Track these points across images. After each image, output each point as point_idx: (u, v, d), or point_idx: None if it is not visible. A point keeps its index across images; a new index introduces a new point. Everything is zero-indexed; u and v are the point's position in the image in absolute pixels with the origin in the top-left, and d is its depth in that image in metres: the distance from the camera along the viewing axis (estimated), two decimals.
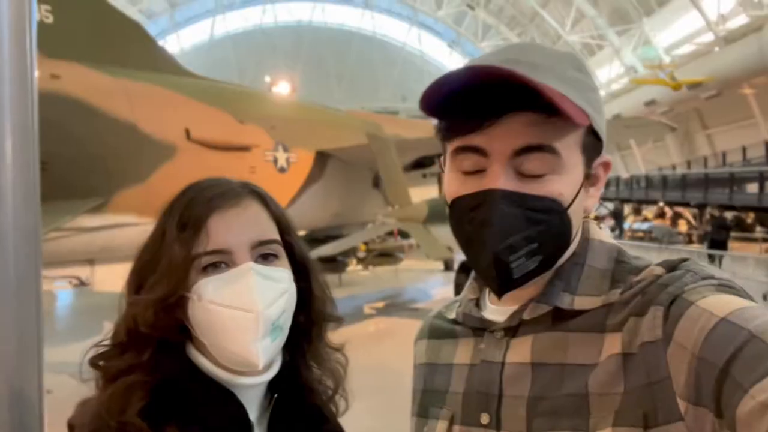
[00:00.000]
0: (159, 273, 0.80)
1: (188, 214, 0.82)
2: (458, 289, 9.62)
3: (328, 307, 0.93)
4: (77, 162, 5.81)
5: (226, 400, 0.82)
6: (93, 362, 0.83)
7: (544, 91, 0.67)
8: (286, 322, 0.84)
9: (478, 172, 0.75)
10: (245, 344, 0.78)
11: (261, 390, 0.87)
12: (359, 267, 12.88)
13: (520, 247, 0.72)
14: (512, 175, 0.73)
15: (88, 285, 7.11)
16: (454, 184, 0.78)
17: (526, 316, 0.78)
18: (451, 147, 0.78)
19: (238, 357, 0.80)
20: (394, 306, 10.77)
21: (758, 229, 22.71)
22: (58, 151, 5.38)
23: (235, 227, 0.82)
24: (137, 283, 0.83)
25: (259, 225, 0.84)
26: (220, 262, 0.80)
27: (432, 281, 13.69)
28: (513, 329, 0.79)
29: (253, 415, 0.84)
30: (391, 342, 7.87)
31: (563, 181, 0.74)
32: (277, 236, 0.86)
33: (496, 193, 0.72)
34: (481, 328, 0.84)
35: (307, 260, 0.91)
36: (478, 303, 0.88)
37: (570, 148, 0.74)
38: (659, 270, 0.74)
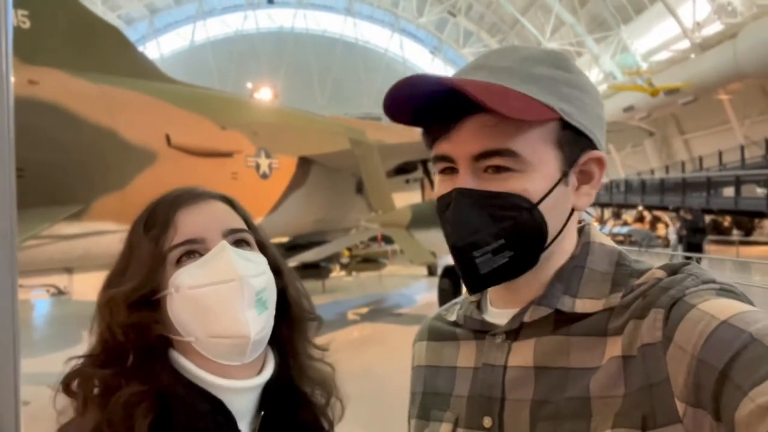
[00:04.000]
0: (129, 272, 0.80)
1: (154, 215, 0.83)
2: (442, 294, 9.64)
3: (305, 305, 0.91)
4: (55, 168, 5.72)
5: (215, 409, 0.79)
6: (67, 385, 0.78)
7: (465, 89, 0.68)
8: (270, 299, 0.82)
9: (452, 175, 0.78)
10: (233, 316, 0.77)
11: (252, 401, 0.83)
12: (343, 273, 12.85)
13: (483, 244, 0.73)
14: (477, 174, 0.75)
15: (66, 294, 6.98)
16: (437, 186, 0.81)
17: (527, 318, 0.78)
18: (431, 154, 0.81)
19: (227, 335, 0.78)
20: (378, 312, 10.75)
21: (735, 232, 23.16)
22: (35, 157, 5.29)
23: (204, 218, 0.83)
24: (114, 291, 0.81)
25: (227, 217, 0.85)
26: (193, 251, 0.80)
27: (416, 286, 13.69)
28: (514, 332, 0.79)
29: (245, 425, 0.81)
30: (375, 348, 7.85)
31: (527, 178, 0.74)
32: (246, 227, 0.86)
33: (457, 192, 0.75)
34: (482, 331, 0.84)
35: (280, 262, 0.90)
36: (479, 305, 0.88)
37: (534, 145, 0.74)
38: (660, 273, 0.74)
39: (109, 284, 0.82)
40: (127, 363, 0.77)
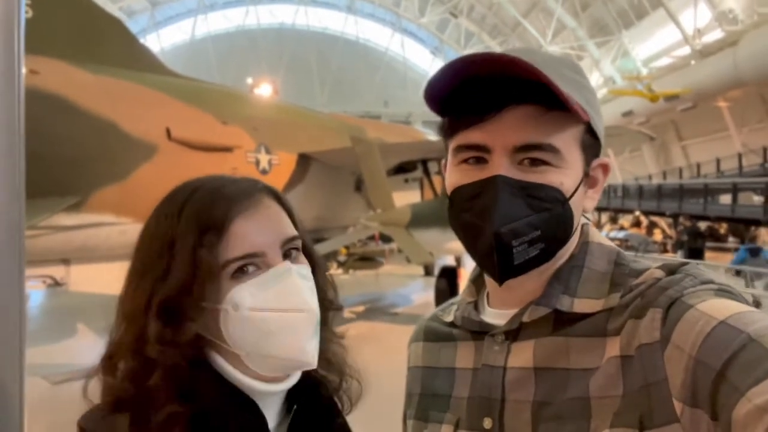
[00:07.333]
0: (173, 278, 0.72)
1: (208, 217, 0.75)
2: (439, 293, 9.65)
3: (330, 293, 0.89)
4: (55, 159, 5.69)
5: (248, 411, 0.77)
6: (121, 391, 0.73)
7: (551, 83, 0.68)
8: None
9: (480, 164, 0.76)
10: (299, 346, 0.75)
11: (281, 396, 0.83)
12: (339, 271, 12.84)
13: (523, 233, 0.73)
14: (514, 165, 0.74)
15: (62, 285, 6.95)
16: (455, 176, 0.79)
17: (525, 318, 0.78)
18: (452, 144, 0.79)
19: (289, 361, 0.76)
20: (374, 310, 10.75)
21: (730, 239, 23.24)
22: (35, 147, 5.26)
23: (263, 228, 0.77)
24: (150, 298, 0.73)
25: (281, 222, 0.80)
26: (248, 265, 0.75)
27: (412, 286, 13.70)
28: (513, 333, 0.79)
29: (272, 423, 0.81)
30: (371, 346, 7.84)
31: (563, 173, 0.75)
32: (296, 231, 0.82)
33: (499, 179, 0.73)
34: (480, 332, 0.83)
35: (312, 250, 0.88)
36: (476, 306, 0.88)
37: (569, 143, 0.76)
38: (659, 273, 0.74)
39: (151, 292, 0.74)
40: (180, 373, 0.73)
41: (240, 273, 0.75)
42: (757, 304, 9.49)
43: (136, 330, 0.74)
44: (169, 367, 0.72)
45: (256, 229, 0.76)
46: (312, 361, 0.76)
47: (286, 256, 0.79)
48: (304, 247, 0.85)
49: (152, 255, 0.76)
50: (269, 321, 0.74)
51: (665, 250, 22.11)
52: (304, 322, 0.75)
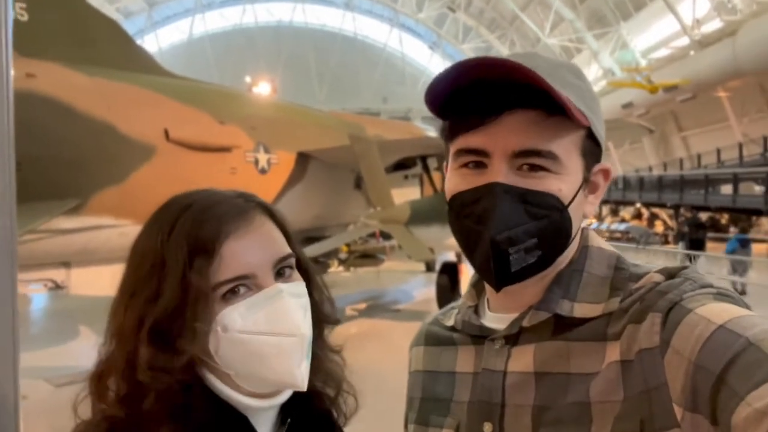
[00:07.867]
0: (163, 301, 0.71)
1: (198, 238, 0.73)
2: (440, 289, 9.66)
3: (326, 308, 0.88)
4: (53, 163, 5.69)
5: (240, 428, 0.77)
6: (110, 411, 0.73)
7: (551, 88, 0.68)
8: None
9: (479, 169, 0.76)
10: (289, 370, 0.74)
11: (275, 410, 0.82)
12: (341, 268, 12.86)
13: (519, 241, 0.73)
14: (513, 171, 0.74)
15: (63, 288, 6.97)
16: (454, 181, 0.79)
17: (525, 323, 0.78)
18: (453, 148, 0.79)
19: (279, 383, 0.76)
20: (376, 307, 10.78)
21: (732, 229, 23.22)
22: (33, 151, 5.27)
23: (255, 249, 0.76)
24: (140, 321, 0.72)
25: (273, 242, 0.79)
26: (239, 286, 0.74)
27: (414, 282, 13.73)
28: (513, 337, 0.79)
29: None
30: (374, 343, 7.86)
31: (562, 180, 0.75)
32: (289, 249, 0.81)
33: (498, 187, 0.73)
34: (480, 336, 0.83)
35: (308, 265, 0.87)
36: (476, 310, 0.87)
37: (568, 149, 0.75)
38: (658, 277, 0.74)
39: (142, 313, 0.73)
40: (158, 401, 0.72)
41: (231, 294, 0.74)
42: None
43: (126, 352, 0.73)
44: (161, 391, 0.71)
45: (247, 250, 0.75)
46: (302, 384, 0.75)
47: (280, 274, 0.78)
48: (299, 261, 0.83)
49: (143, 273, 0.75)
50: (258, 344, 0.73)
51: (666, 242, 22.11)
52: (293, 346, 0.74)
